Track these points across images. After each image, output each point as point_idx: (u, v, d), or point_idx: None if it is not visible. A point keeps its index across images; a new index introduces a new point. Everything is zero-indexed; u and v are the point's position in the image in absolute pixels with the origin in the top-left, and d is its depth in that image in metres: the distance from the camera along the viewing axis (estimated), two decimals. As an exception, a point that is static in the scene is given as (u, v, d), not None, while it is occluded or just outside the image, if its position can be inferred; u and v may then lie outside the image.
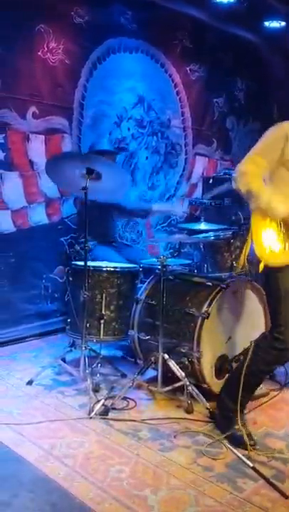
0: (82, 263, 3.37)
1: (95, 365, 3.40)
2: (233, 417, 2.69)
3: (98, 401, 3.03)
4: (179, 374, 3.10)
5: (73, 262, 3.63)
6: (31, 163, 4.29)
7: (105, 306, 3.47)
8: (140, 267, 3.69)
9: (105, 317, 3.47)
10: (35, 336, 4.36)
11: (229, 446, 2.64)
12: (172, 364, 3.13)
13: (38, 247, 4.37)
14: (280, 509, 2.20)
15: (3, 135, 4.08)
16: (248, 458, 2.51)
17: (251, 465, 2.45)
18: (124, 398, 3.14)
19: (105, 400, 3.05)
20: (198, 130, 5.79)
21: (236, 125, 6.31)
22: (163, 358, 3.16)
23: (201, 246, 3.64)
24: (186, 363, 3.14)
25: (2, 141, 4.07)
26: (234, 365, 3.12)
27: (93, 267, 3.49)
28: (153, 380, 3.31)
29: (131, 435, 2.78)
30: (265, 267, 2.55)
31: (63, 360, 3.52)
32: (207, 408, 2.99)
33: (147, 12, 4.86)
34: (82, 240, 3.34)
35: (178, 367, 3.12)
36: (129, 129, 5.05)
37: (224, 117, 6.14)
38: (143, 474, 2.42)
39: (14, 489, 2.27)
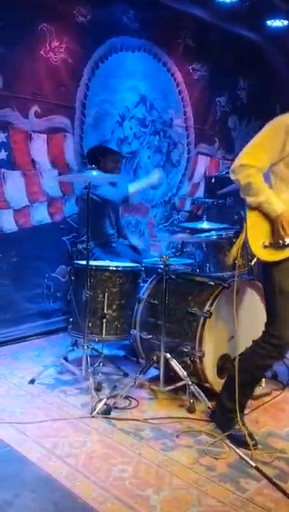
0: (84, 262, 3.36)
1: (97, 364, 3.40)
2: (233, 417, 2.68)
3: (100, 400, 3.03)
4: (181, 373, 3.09)
5: (75, 261, 3.63)
6: (33, 162, 4.29)
7: (107, 306, 3.47)
8: (142, 267, 3.68)
9: (107, 316, 3.47)
10: (37, 335, 4.37)
11: (231, 445, 2.63)
12: (174, 363, 3.12)
13: (41, 246, 4.37)
14: (283, 509, 2.20)
15: (6, 134, 4.08)
16: (251, 458, 2.50)
17: (254, 465, 2.44)
18: (127, 397, 3.14)
19: (107, 399, 3.05)
20: (200, 129, 5.79)
21: (238, 124, 6.30)
22: (165, 357, 3.15)
23: (204, 245, 3.63)
24: (188, 362, 3.14)
25: (4, 140, 4.07)
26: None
27: (95, 266, 3.49)
28: (155, 380, 3.31)
29: (133, 434, 2.77)
30: (261, 262, 2.55)
31: (65, 359, 3.52)
32: (209, 407, 2.99)
33: (150, 11, 4.86)
34: (82, 239, 3.32)
35: (180, 366, 3.11)
36: (131, 128, 5.05)
37: (226, 116, 6.13)
38: (145, 474, 2.41)
39: (16, 488, 2.27)
